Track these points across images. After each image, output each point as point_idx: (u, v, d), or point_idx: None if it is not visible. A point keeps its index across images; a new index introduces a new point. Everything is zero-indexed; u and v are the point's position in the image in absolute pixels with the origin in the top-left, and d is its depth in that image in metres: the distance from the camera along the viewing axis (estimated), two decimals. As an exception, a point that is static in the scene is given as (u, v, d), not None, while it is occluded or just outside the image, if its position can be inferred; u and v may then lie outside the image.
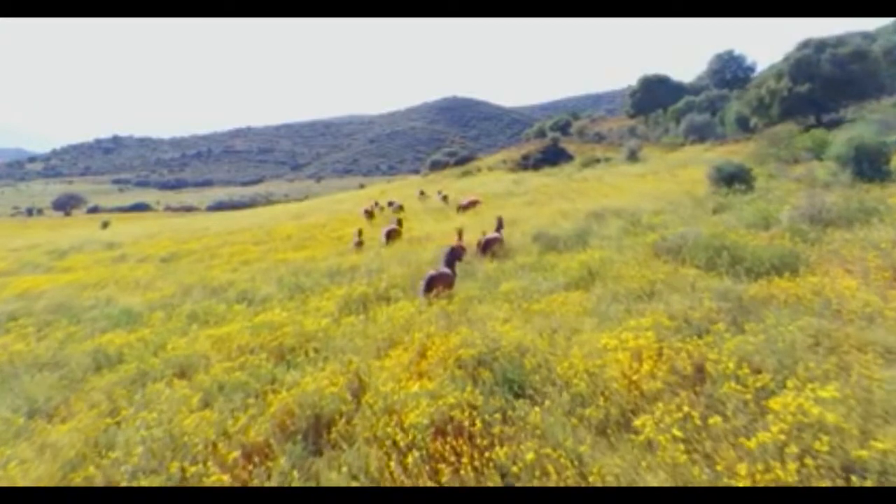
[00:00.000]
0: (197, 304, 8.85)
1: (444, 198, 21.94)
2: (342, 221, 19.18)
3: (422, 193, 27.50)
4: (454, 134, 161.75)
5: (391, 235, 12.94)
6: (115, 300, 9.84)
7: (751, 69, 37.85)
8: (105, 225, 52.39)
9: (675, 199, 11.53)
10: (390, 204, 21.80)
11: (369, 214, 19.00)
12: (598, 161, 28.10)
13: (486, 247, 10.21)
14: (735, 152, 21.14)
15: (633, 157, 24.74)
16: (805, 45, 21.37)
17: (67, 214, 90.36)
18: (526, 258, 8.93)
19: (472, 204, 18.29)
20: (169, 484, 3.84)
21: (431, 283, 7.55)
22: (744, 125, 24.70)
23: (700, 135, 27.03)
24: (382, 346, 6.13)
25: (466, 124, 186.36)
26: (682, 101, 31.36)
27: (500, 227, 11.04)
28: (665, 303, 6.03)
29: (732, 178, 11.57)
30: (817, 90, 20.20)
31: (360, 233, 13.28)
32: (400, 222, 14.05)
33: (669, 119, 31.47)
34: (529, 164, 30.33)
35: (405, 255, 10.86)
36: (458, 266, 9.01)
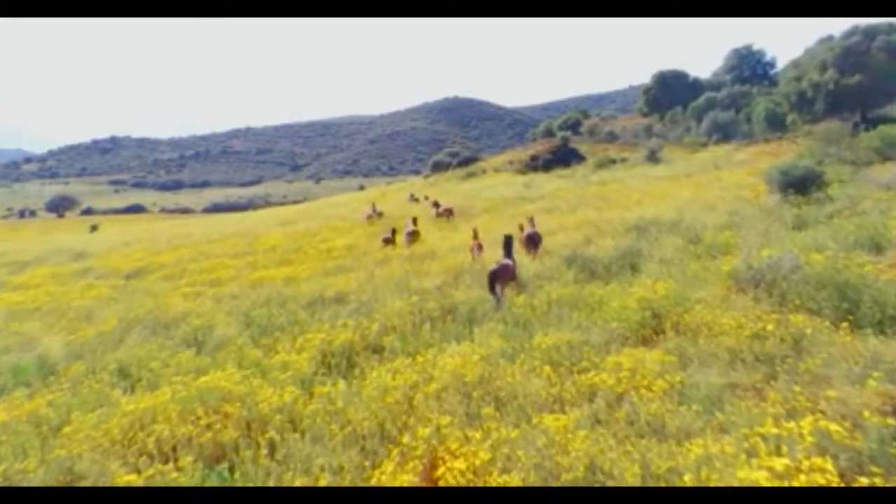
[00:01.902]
0: (134, 350, 6.79)
1: (434, 204, 20.36)
2: (334, 230, 17.13)
3: (412, 197, 25.84)
4: (455, 134, 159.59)
5: (412, 237, 12.52)
6: (38, 340, 7.76)
7: (771, 65, 35.76)
8: (94, 228, 50.68)
9: (733, 209, 9.47)
10: (374, 211, 19.75)
11: (371, 219, 17.98)
12: (613, 162, 26.04)
13: (532, 242, 9.40)
14: (771, 153, 19.08)
15: (653, 157, 22.66)
16: (852, 32, 19.25)
17: (60, 216, 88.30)
18: (561, 289, 6.85)
19: (448, 212, 16.63)
20: None
21: (495, 279, 6.91)
22: (775, 123, 22.64)
23: (724, 133, 24.91)
24: (370, 441, 4.09)
25: (468, 125, 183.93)
26: (703, 98, 29.11)
27: (532, 224, 10.30)
28: (800, 381, 3.98)
29: (802, 184, 9.50)
30: (867, 82, 18.11)
31: (393, 232, 13.13)
32: (415, 221, 13.58)
33: (689, 117, 29.32)
34: (539, 165, 28.23)
35: (404, 280, 8.80)
36: (479, 296, 7.02)
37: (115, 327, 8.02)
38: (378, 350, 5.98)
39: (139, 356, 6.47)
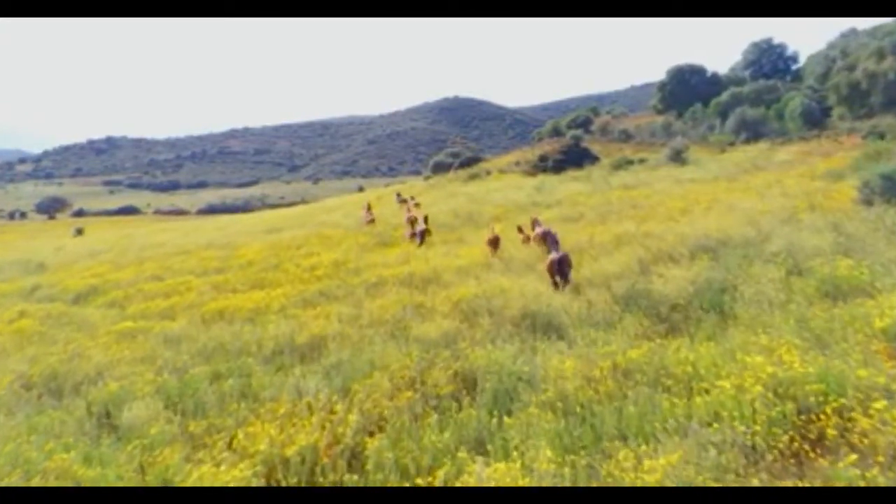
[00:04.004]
0: (3, 439, 4.65)
1: (413, 206, 19.16)
2: (323, 240, 14.98)
3: (400, 198, 24.26)
4: (455, 134, 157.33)
5: (424, 236, 12.32)
6: None
7: (793, 59, 33.67)
8: (79, 232, 48.81)
9: (829, 224, 7.32)
10: (368, 215, 17.90)
11: (371, 223, 16.74)
12: (630, 163, 23.91)
13: (547, 238, 8.64)
14: (818, 153, 16.95)
15: (678, 158, 20.51)
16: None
17: (51, 218, 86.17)
18: (627, 349, 4.70)
19: (412, 221, 14.75)
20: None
21: (564, 268, 6.91)
22: (811, 119, 20.57)
23: (753, 132, 22.77)
24: None
25: (468, 125, 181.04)
26: (727, 94, 26.89)
27: (539, 223, 10.16)
28: None
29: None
30: (931, 72, 16.05)
31: (415, 223, 13.39)
32: (426, 219, 13.20)
33: (712, 114, 27.13)
34: (548, 166, 26.08)
35: (401, 319, 6.67)
36: (507, 357, 4.88)
37: (6, 389, 5.88)
38: (357, 456, 3.85)
39: (3, 454, 4.34)
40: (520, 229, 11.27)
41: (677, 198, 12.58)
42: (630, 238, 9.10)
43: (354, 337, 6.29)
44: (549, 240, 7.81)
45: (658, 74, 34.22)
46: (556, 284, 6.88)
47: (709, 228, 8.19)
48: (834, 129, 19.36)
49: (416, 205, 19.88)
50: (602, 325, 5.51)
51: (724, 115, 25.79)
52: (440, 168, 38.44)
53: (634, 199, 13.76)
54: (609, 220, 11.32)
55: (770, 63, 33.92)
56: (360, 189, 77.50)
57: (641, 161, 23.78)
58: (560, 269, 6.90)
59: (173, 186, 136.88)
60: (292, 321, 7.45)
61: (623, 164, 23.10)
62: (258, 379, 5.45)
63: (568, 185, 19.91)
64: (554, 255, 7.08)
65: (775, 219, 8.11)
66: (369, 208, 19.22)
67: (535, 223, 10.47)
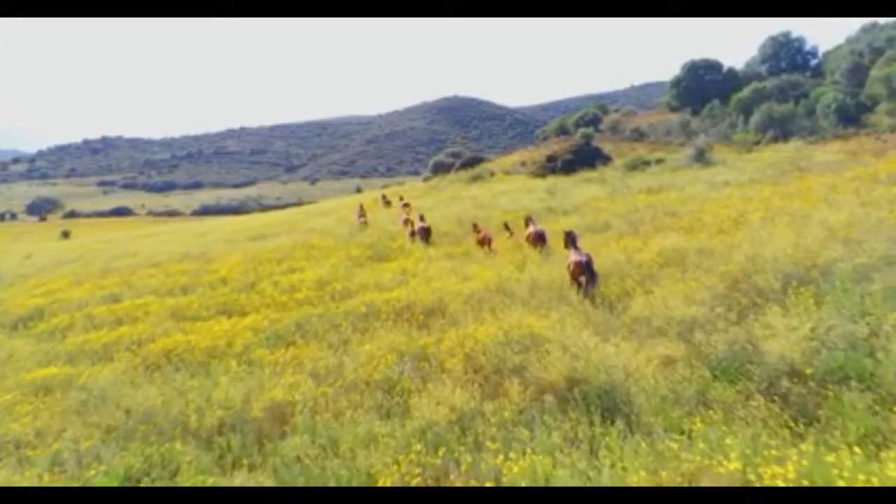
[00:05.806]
0: None
1: (402, 207, 17.87)
2: (309, 251, 13.18)
3: (384, 199, 22.82)
4: (455, 134, 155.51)
5: (427, 234, 11.78)
6: None
7: (812, 54, 31.94)
8: (65, 235, 47.39)
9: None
10: (361, 216, 16.75)
11: (364, 225, 15.95)
12: (646, 163, 22.14)
13: (541, 240, 9.06)
14: (867, 151, 15.22)
15: (701, 158, 18.80)
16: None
17: (42, 220, 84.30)
18: (767, 469, 2.93)
19: (423, 232, 13.11)
20: None
21: (591, 271, 6.35)
22: (846, 116, 18.90)
23: (781, 129, 21.03)
24: None
25: (468, 125, 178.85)
26: (749, 89, 25.11)
27: (533, 222, 9.89)
28: None
29: None
30: None
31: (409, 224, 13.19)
32: (423, 218, 12.79)
33: (733, 111, 25.33)
34: (557, 166, 24.27)
35: (396, 379, 4.90)
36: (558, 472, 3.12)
37: None
38: None
39: None
40: (506, 226, 10.83)
41: (719, 204, 10.83)
42: (680, 257, 7.34)
43: (331, 407, 4.53)
44: (567, 239, 7.31)
45: (658, 74, 33.03)
46: (580, 287, 6.34)
47: (787, 247, 6.43)
48: (874, 127, 17.74)
49: (406, 205, 18.35)
50: (693, 403, 3.74)
51: (746, 111, 24.03)
52: (440, 168, 36.68)
53: (668, 206, 11.99)
54: (643, 231, 9.57)
55: (788, 58, 32.15)
56: (358, 190, 75.73)
57: (659, 161, 22.02)
58: (587, 272, 6.35)
59: (169, 187, 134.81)
60: (255, 371, 5.71)
61: (639, 165, 21.36)
62: (184, 482, 3.69)
63: (582, 187, 18.16)
64: (577, 257, 6.54)
65: (877, 235, 6.34)
66: (362, 211, 17.76)
67: (528, 221, 9.99)
